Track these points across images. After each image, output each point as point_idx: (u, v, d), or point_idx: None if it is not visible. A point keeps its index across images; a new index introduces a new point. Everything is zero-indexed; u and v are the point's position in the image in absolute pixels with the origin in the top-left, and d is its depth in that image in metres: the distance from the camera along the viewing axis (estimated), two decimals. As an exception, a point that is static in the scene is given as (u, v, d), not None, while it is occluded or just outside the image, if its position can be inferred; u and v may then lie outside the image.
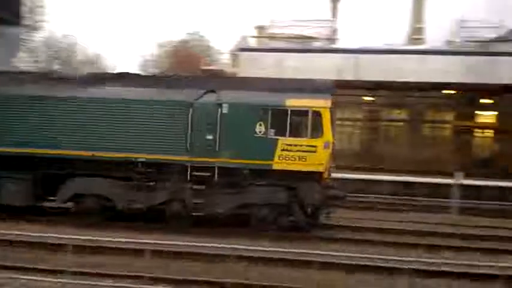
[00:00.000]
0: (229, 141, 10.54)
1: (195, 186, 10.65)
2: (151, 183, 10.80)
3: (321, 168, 10.48)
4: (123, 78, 11.90)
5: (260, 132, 10.58)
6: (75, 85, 11.41)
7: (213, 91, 10.97)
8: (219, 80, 12.79)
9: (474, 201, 16.02)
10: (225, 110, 10.60)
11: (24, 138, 10.90)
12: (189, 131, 10.61)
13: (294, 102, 10.61)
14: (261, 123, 10.52)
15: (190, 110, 10.61)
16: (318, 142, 10.43)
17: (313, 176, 10.55)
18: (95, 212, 11.02)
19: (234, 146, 10.55)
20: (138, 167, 10.77)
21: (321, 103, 10.59)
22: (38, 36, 36.80)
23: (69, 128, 10.83)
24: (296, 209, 10.80)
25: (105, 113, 10.79)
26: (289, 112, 10.51)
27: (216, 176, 10.56)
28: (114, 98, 10.92)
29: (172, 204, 10.87)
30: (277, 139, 10.47)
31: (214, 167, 10.54)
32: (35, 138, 10.83)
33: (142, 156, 10.72)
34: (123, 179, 10.90)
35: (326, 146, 10.41)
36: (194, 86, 11.28)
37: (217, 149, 10.54)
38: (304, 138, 10.49)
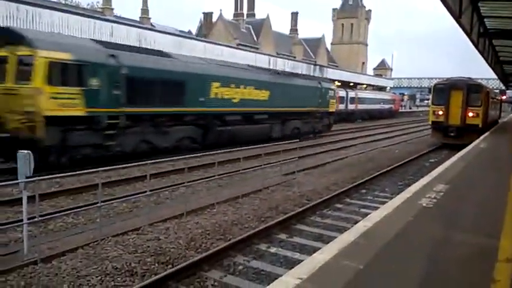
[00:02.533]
0: None
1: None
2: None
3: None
4: (297, 74, 27.43)
5: None
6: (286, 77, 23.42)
7: (319, 82, 26.95)
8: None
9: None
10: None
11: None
12: (318, 98, 25.54)
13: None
14: None
15: (319, 89, 25.75)
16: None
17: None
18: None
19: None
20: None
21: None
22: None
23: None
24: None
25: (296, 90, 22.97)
26: None
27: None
28: (303, 85, 23.98)
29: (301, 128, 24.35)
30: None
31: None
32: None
33: (307, 110, 24.35)
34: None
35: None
36: (314, 79, 28.02)
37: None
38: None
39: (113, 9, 40.75)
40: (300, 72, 32.33)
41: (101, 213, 7.23)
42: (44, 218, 6.79)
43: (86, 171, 8.17)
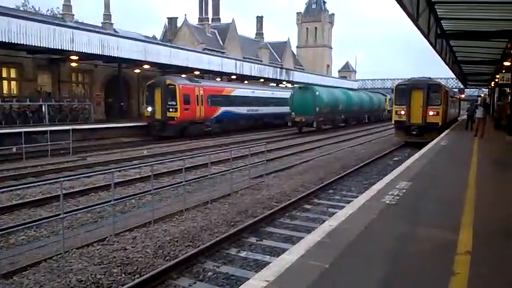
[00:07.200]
0: None
1: None
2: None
3: None
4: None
5: None
6: None
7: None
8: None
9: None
10: None
11: None
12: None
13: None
14: None
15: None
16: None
17: None
18: None
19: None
20: None
21: None
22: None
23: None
24: None
25: None
26: None
27: None
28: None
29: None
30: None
31: None
32: None
33: None
34: None
35: None
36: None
37: None
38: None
39: (73, 15, 39.67)
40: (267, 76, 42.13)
41: (64, 224, 7.01)
42: (4, 231, 6.53)
43: (47, 181, 7.91)
